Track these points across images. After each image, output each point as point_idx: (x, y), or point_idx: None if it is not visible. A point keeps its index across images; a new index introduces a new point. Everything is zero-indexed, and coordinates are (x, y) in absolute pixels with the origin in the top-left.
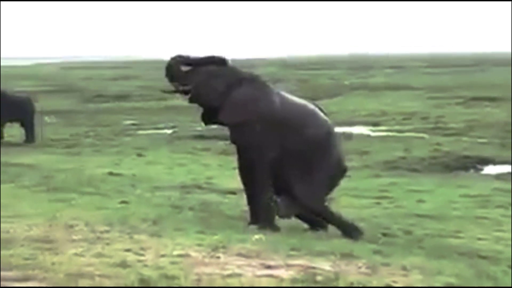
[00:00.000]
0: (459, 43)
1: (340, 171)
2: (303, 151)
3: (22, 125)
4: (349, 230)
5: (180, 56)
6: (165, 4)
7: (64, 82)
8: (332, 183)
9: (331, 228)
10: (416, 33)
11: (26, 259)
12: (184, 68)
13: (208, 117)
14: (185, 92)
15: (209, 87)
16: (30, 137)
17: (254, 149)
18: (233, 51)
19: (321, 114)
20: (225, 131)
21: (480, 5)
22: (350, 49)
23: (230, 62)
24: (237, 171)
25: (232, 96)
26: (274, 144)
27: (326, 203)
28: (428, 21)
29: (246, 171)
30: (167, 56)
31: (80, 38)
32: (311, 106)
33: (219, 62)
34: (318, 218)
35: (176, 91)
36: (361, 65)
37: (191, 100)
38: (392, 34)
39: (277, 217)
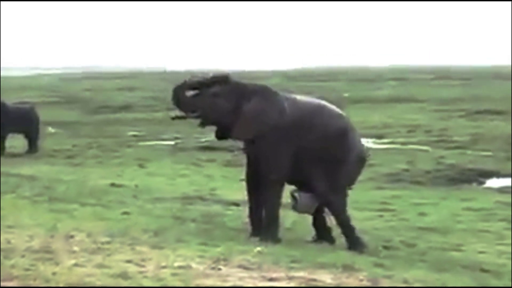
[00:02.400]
0: (462, 56)
1: (360, 163)
2: (320, 147)
3: (27, 136)
4: (355, 243)
5: (184, 82)
6: (168, 15)
7: (66, 93)
8: (352, 175)
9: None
10: (420, 46)
11: (27, 269)
12: (189, 93)
13: (222, 134)
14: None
15: (216, 108)
16: (33, 148)
17: (269, 160)
18: (236, 63)
19: (335, 110)
20: (232, 142)
21: (483, 19)
22: (352, 61)
23: (233, 77)
24: (241, 183)
25: (241, 112)
26: (290, 150)
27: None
28: (431, 34)
29: (257, 182)
30: (171, 67)
31: (81, 48)
32: (323, 103)
33: (222, 80)
34: (326, 222)
35: (185, 117)
36: (364, 77)
37: (202, 124)
38: (395, 47)
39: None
